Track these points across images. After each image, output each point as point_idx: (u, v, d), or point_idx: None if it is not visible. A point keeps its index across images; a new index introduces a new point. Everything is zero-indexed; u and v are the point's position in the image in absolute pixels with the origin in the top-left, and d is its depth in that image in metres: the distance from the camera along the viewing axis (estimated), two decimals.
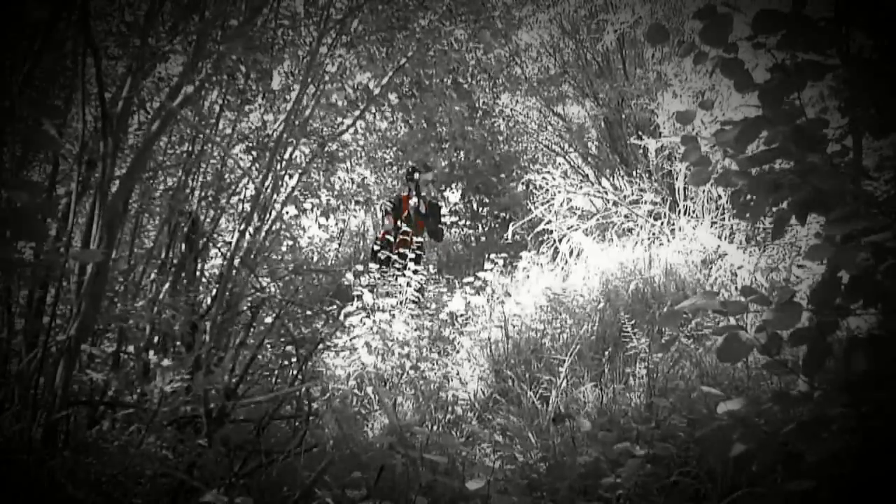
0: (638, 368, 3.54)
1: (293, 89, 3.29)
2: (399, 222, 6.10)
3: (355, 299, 4.67)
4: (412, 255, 5.46)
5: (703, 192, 6.43)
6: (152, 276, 2.83)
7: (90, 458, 2.07)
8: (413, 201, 6.17)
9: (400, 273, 5.11)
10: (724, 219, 6.21)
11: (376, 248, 5.80)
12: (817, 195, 1.67)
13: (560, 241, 6.72)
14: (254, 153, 3.40)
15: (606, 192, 7.27)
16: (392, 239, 5.95)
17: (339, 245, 8.55)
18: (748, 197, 1.84)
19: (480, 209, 9.04)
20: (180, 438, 2.27)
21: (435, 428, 3.47)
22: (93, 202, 2.13)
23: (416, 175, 6.28)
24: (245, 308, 3.02)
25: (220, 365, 2.63)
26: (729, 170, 1.88)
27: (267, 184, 2.87)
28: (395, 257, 5.39)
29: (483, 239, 8.76)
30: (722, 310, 1.67)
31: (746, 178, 1.82)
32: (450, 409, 3.72)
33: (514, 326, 4.58)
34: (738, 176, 1.84)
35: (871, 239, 1.50)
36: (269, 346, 3.03)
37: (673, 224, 6.44)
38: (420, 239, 6.18)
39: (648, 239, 6.25)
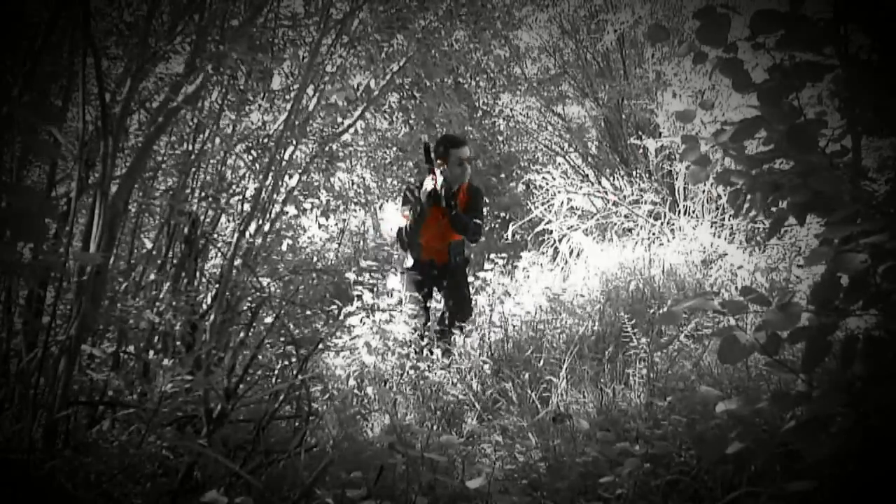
0: (638, 368, 3.53)
1: (293, 89, 3.30)
2: (416, 217, 4.30)
3: (355, 299, 4.67)
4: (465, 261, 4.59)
5: (703, 192, 6.44)
6: (152, 276, 2.83)
7: (90, 458, 2.07)
8: (429, 183, 4.20)
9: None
10: (724, 219, 6.22)
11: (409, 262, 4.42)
12: (816, 196, 1.67)
13: (560, 241, 6.73)
14: (254, 153, 3.41)
15: (606, 192, 7.29)
16: (420, 242, 4.38)
17: (339, 245, 8.55)
18: (746, 196, 1.85)
19: None
20: (180, 438, 2.27)
21: (435, 428, 3.47)
22: (93, 202, 2.13)
23: (444, 150, 4.26)
24: (245, 308, 3.02)
25: (220, 365, 2.63)
26: (728, 169, 1.88)
27: (267, 184, 2.87)
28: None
29: (483, 239, 8.76)
30: (721, 310, 1.67)
31: (746, 178, 1.83)
32: (450, 409, 3.72)
33: (514, 326, 4.58)
34: (737, 175, 1.85)
35: (870, 241, 1.50)
36: (269, 346, 3.03)
37: (673, 224, 6.45)
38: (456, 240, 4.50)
39: (648, 239, 6.27)
